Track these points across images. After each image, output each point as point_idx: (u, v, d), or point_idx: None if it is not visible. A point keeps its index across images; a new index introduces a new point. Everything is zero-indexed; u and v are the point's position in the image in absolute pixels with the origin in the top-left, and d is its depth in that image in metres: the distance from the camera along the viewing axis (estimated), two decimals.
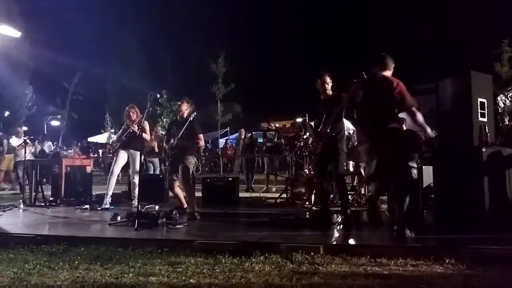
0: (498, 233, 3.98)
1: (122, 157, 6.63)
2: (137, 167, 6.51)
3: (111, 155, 6.86)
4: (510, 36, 18.46)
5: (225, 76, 21.38)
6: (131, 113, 6.65)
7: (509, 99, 19.06)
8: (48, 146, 11.73)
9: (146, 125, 6.46)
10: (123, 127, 6.86)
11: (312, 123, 5.15)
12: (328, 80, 5.03)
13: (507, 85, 18.70)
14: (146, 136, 6.51)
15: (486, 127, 4.63)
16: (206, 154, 20.01)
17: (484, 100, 4.72)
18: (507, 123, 8.43)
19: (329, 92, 5.05)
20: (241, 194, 7.91)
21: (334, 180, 5.03)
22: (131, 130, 6.38)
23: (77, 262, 3.43)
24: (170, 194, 7.76)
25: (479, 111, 4.65)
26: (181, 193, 5.77)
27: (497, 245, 3.66)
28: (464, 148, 4.68)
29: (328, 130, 4.83)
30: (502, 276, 2.94)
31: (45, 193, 7.25)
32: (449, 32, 27.62)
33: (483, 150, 4.43)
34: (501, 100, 18.72)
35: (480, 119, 4.66)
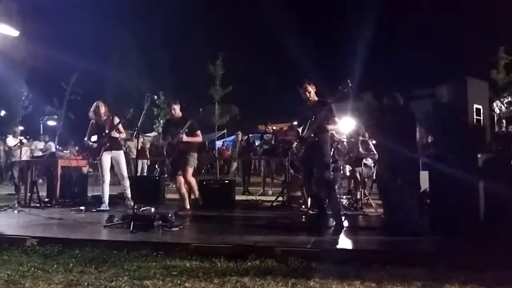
0: (493, 238, 4.00)
1: (106, 162, 6.46)
2: (123, 168, 6.49)
3: (94, 161, 6.65)
4: (506, 43, 18.59)
5: (223, 78, 21.39)
6: (101, 110, 6.46)
7: (505, 105, 19.17)
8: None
9: (116, 120, 6.43)
10: (90, 125, 6.64)
11: (300, 129, 5.22)
12: (310, 88, 5.16)
13: (503, 91, 18.81)
14: (122, 135, 6.48)
15: None
16: (204, 155, 19.98)
17: (480, 107, 4.75)
18: (504, 129, 8.46)
19: (313, 98, 5.17)
20: (238, 197, 7.90)
21: (320, 185, 5.05)
22: (108, 134, 6.29)
23: (71, 264, 3.41)
24: (167, 196, 7.80)
25: (475, 117, 4.68)
26: (186, 194, 5.82)
27: (492, 251, 3.68)
28: (459, 154, 4.70)
29: (312, 135, 4.92)
30: (497, 281, 2.94)
31: (40, 194, 7.20)
32: (447, 38, 27.76)
33: (479, 155, 4.46)
34: (497, 107, 18.83)
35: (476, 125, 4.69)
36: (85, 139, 6.61)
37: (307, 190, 5.58)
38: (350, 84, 4.77)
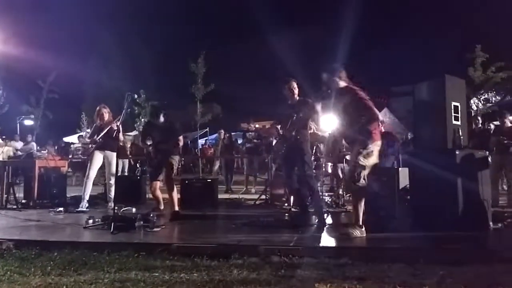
0: (471, 233, 4.09)
1: (98, 159, 6.49)
2: (113, 169, 6.44)
3: (85, 156, 6.71)
4: (483, 41, 19.00)
5: (205, 77, 21.22)
6: (103, 113, 6.55)
7: (482, 102, 19.61)
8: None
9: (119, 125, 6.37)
10: (93, 127, 6.76)
11: (279, 126, 5.24)
12: (295, 86, 5.19)
13: (480, 88, 19.20)
14: (121, 136, 6.47)
15: (460, 130, 4.75)
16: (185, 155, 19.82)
17: (458, 104, 4.84)
18: (480, 126, 8.66)
19: (296, 97, 5.20)
20: (220, 196, 7.87)
21: (302, 183, 5.08)
22: (108, 129, 6.24)
23: (49, 267, 3.32)
24: (148, 196, 7.70)
25: (453, 114, 4.76)
26: (161, 195, 5.77)
27: (470, 245, 3.76)
28: (438, 150, 4.78)
29: (293, 133, 4.95)
30: (475, 275, 3.00)
31: (17, 195, 7.01)
32: (425, 37, 28.29)
33: (457, 152, 4.54)
34: (474, 103, 19.24)
35: (454, 122, 4.78)
36: (87, 139, 7.00)
37: (289, 187, 5.60)
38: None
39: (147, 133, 5.92)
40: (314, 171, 6.27)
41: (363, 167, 4.39)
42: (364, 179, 4.31)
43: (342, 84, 4.56)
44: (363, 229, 4.22)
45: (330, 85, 4.61)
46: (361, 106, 4.34)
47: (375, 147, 4.42)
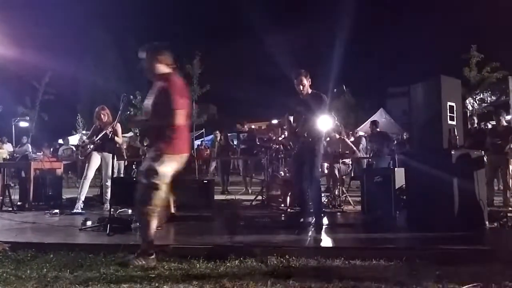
0: (467, 232, 4.11)
1: (95, 160, 6.48)
2: (110, 170, 6.42)
3: (83, 157, 6.69)
4: (478, 41, 19.13)
5: (201, 77, 21.23)
6: (102, 115, 6.57)
7: (477, 102, 19.73)
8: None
9: (119, 127, 6.37)
10: (93, 128, 6.80)
11: (291, 118, 5.15)
12: (305, 81, 4.97)
13: (475, 88, 19.32)
14: (118, 139, 6.47)
15: (455, 130, 4.78)
16: None
17: (453, 104, 4.87)
18: (476, 125, 8.70)
19: (307, 91, 5.01)
20: (217, 197, 7.86)
21: (308, 183, 5.05)
22: (104, 132, 6.26)
23: (45, 269, 3.30)
24: None
25: (448, 114, 4.79)
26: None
27: (466, 245, 3.77)
28: (434, 150, 4.81)
29: (306, 134, 4.86)
30: (471, 275, 3.01)
31: (12, 197, 6.98)
32: (421, 37, 28.44)
33: (453, 152, 4.57)
34: (470, 103, 19.37)
35: (450, 122, 4.81)
36: (84, 138, 6.98)
37: (295, 187, 5.50)
38: (345, 89, 4.69)
39: (144, 133, 5.94)
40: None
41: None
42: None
43: (162, 69, 3.70)
44: (153, 256, 3.44)
45: (147, 68, 3.75)
46: (169, 104, 3.46)
47: (168, 159, 3.50)
